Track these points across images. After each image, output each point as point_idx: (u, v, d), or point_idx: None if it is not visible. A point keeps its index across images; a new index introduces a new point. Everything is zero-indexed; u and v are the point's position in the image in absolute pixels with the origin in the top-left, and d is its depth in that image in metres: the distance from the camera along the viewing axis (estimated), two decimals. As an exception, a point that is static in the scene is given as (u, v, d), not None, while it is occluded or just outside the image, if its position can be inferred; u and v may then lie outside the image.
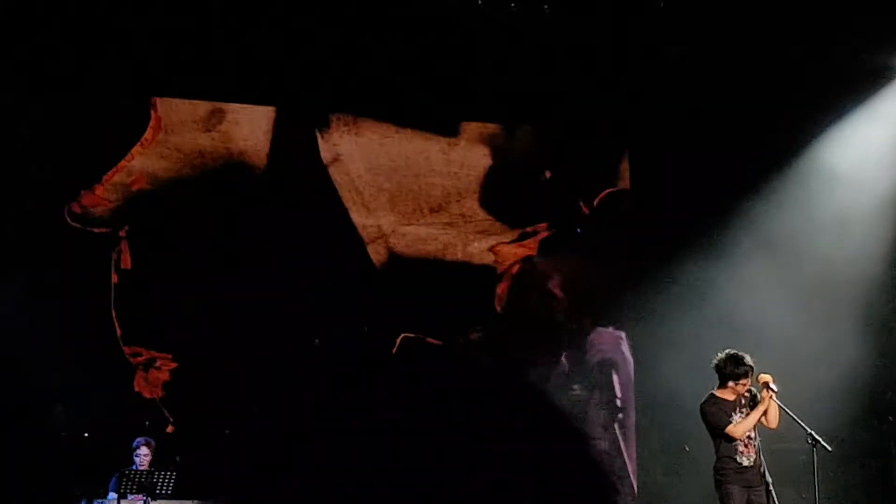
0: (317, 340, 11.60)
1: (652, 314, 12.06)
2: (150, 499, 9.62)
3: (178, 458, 10.36)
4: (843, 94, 11.64)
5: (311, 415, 11.48)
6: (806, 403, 9.13)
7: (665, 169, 12.20)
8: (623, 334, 12.47)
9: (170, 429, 11.20)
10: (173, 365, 11.33)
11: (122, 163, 11.46)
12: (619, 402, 12.36)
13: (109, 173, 11.41)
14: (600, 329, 12.46)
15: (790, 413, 8.52)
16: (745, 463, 8.42)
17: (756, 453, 8.44)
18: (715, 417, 8.46)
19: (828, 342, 11.28)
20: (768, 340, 9.69)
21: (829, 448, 8.53)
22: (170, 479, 9.71)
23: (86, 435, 9.88)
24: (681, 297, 11.84)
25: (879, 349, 11.69)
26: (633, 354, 12.40)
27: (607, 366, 12.42)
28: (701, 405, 8.56)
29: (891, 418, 11.47)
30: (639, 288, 12.16)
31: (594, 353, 12.43)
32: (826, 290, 11.52)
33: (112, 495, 9.74)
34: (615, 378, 12.41)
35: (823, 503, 8.85)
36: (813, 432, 8.52)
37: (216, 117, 11.78)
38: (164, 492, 9.67)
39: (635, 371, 12.36)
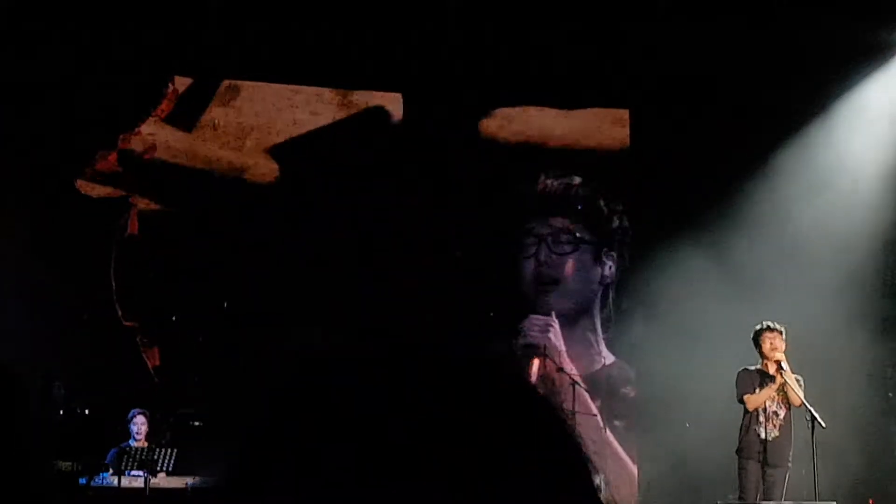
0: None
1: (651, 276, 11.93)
2: (150, 475, 9.59)
3: (197, 421, 10.23)
4: (846, 68, 11.59)
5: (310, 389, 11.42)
6: (807, 379, 9.16)
7: (668, 137, 12.09)
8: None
9: (156, 379, 11.18)
10: (168, 334, 11.33)
11: (137, 130, 11.53)
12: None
13: (123, 140, 11.48)
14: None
15: (795, 390, 8.59)
16: (765, 436, 8.66)
17: (780, 430, 8.67)
18: (740, 384, 8.78)
19: (830, 317, 11.26)
20: (773, 313, 9.65)
21: (824, 425, 8.61)
22: (170, 455, 9.72)
23: (86, 412, 9.89)
24: (685, 261, 11.67)
25: (880, 323, 11.68)
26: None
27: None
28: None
29: (890, 395, 11.47)
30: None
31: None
32: (828, 261, 11.48)
33: (106, 474, 9.76)
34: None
35: (823, 479, 8.90)
36: (811, 409, 8.58)
37: (230, 93, 11.81)
38: (164, 468, 9.69)
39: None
